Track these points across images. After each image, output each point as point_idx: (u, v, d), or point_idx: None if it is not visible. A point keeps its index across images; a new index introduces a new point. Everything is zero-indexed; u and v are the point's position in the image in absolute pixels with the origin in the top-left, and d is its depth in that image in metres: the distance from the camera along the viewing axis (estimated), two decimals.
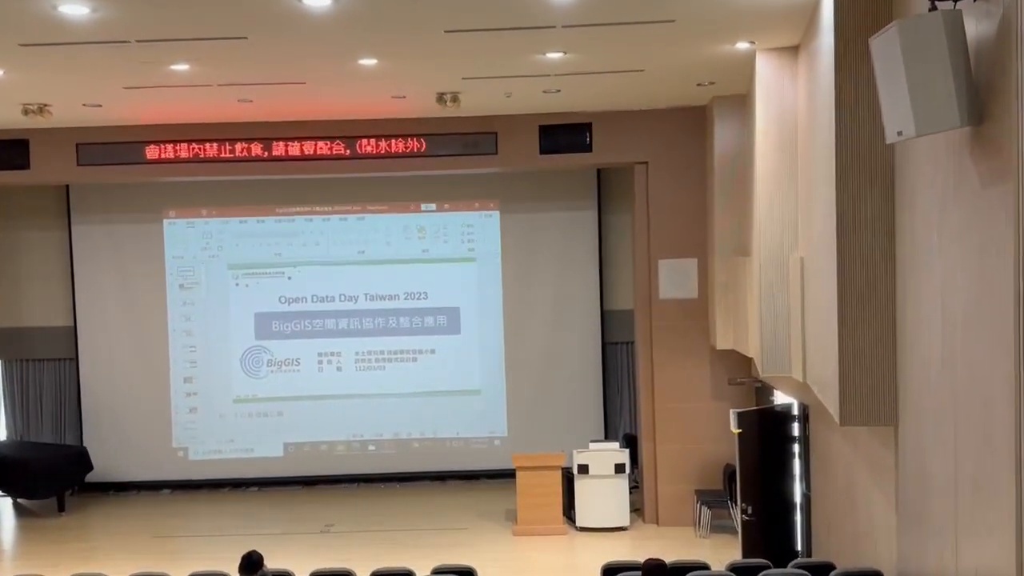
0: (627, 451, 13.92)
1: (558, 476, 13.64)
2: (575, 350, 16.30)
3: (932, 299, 6.15)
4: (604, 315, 16.41)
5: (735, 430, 11.37)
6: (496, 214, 16.35)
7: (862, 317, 7.32)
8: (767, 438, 11.61)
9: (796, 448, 11.69)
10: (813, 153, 9.09)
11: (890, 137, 5.13)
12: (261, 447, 16.43)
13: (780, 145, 10.18)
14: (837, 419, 7.49)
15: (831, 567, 8.89)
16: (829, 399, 8.00)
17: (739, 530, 11.95)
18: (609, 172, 16.34)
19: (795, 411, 11.72)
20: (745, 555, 11.36)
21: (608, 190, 16.46)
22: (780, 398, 12.49)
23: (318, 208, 16.37)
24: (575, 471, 13.71)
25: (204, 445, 16.48)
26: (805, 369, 9.71)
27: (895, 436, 7.47)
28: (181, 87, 10.95)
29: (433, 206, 16.38)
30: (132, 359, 16.44)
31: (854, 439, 9.31)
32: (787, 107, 10.12)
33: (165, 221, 16.41)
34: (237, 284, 16.42)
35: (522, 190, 16.22)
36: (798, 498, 11.67)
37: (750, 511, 11.38)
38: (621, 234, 16.28)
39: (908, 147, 6.72)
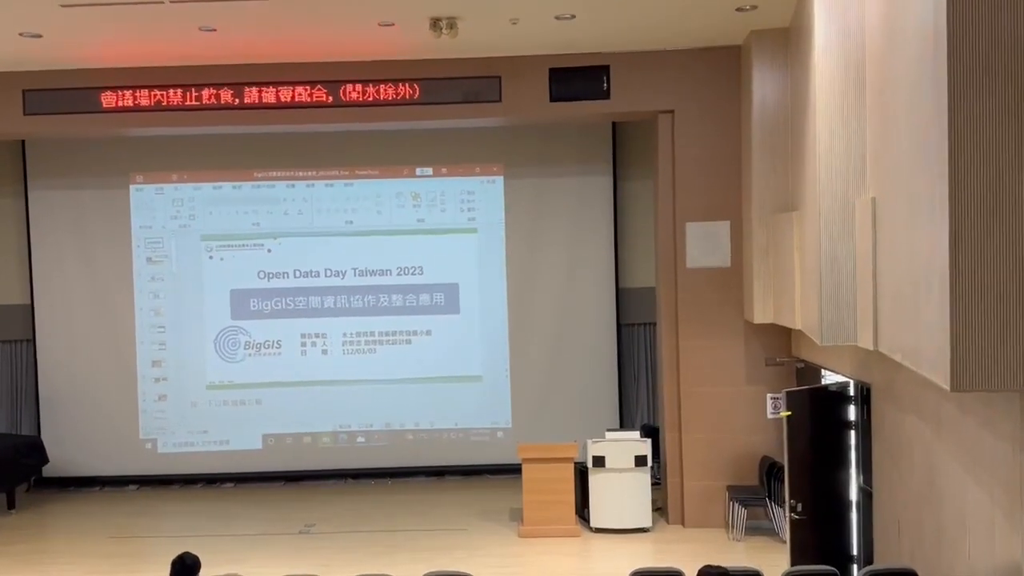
0: (648, 441, 12.30)
1: (570, 469, 12.16)
2: (587, 332, 14.98)
3: None
4: (620, 293, 15.05)
5: (783, 413, 9.67)
6: (500, 179, 14.92)
7: (982, 259, 5.61)
8: (819, 423, 9.97)
9: (852, 435, 10.00)
10: (893, 72, 7.40)
11: None
12: (237, 439, 15.10)
13: (845, 69, 8.51)
14: (946, 384, 5.78)
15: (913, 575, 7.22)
16: (929, 363, 6.29)
17: (786, 531, 10.38)
18: (627, 130, 14.84)
19: (851, 391, 10.02)
20: (794, 560, 9.72)
21: (625, 152, 14.96)
22: (828, 379, 10.81)
23: (301, 172, 14.96)
24: (589, 464, 12.23)
25: (174, 437, 15.12)
26: (877, 335, 8.02)
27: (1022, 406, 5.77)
28: (128, 4, 9.23)
29: (429, 170, 14.94)
30: (95, 341, 15.08)
31: (937, 421, 7.62)
32: (852, 23, 8.44)
33: (132, 187, 15.01)
34: (211, 257, 15.04)
35: (529, 152, 14.82)
36: (853, 493, 10.01)
37: (800, 508, 9.69)
38: (639, 202, 14.85)
39: None
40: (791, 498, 9.72)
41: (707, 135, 12.15)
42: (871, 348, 8.17)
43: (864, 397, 9.78)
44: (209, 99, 12.19)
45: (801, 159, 9.98)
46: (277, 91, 12.13)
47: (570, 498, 12.09)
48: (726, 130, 12.10)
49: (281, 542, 12.26)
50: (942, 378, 5.92)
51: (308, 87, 12.12)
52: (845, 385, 10.09)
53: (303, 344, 15.03)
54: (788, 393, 9.80)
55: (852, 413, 10.06)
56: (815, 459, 9.89)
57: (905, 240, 7.12)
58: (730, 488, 12.16)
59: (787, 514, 9.78)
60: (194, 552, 7.33)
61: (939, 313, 5.96)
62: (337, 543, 12.13)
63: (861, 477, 9.91)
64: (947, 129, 5.67)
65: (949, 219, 5.68)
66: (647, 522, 12.19)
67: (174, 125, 12.45)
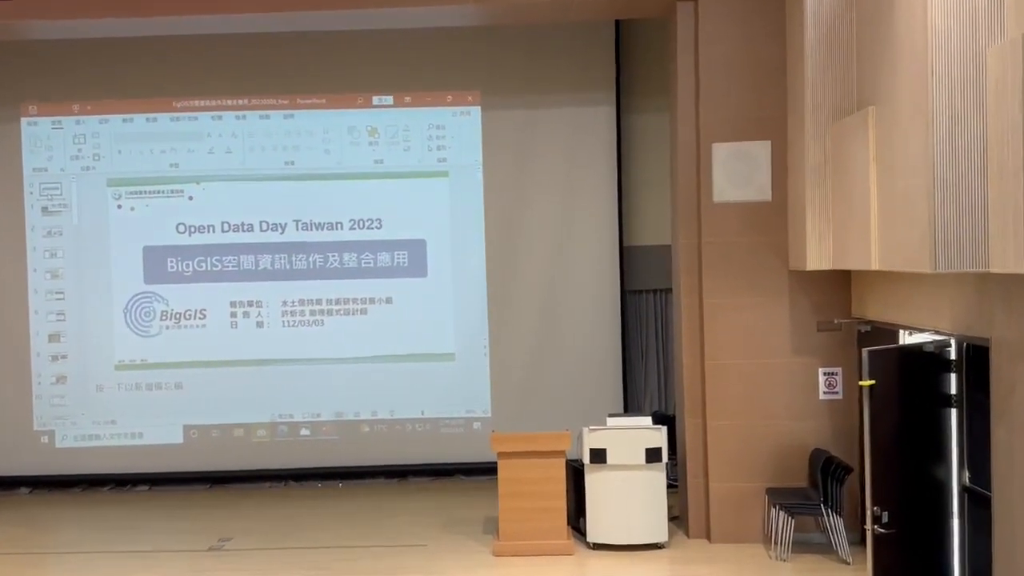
0: (663, 430, 9.81)
1: (561, 467, 9.73)
2: (584, 300, 13.01)
3: None
4: (624, 252, 13.05)
5: (864, 382, 6.91)
6: (476, 111, 12.94)
7: None
8: (912, 398, 7.24)
9: (954, 415, 7.25)
10: None
11: None
12: (153, 431, 13.08)
13: None
14: None
15: None
16: None
17: (842, 545, 8.35)
18: (634, 40, 12.78)
19: (952, 353, 7.27)
20: None
21: (632, 73, 12.84)
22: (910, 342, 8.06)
23: (230, 101, 13.00)
24: (586, 460, 9.77)
25: (76, 428, 13.13)
26: None
27: None
28: None
29: (389, 98, 12.96)
30: None
31: None
32: None
33: (23, 120, 13.08)
34: (120, 207, 13.02)
35: (512, 75, 12.88)
36: (955, 496, 7.33)
37: (886, 518, 6.90)
38: (650, 139, 12.78)
39: None
40: (874, 504, 6.93)
41: (741, 28, 9.61)
42: (1022, 271, 5.34)
43: (972, 361, 7.01)
44: None
45: (886, 36, 7.21)
46: None
47: (560, 504, 9.71)
48: (767, 20, 9.53)
49: (179, 562, 9.70)
50: None
51: None
52: (944, 344, 7.29)
53: (233, 314, 13.03)
54: (871, 354, 6.99)
55: (953, 384, 7.29)
56: (906, 449, 7.13)
57: None
58: (771, 491, 9.60)
59: (868, 525, 6.96)
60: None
61: None
62: (251, 564, 9.55)
63: (967, 474, 7.15)
64: None
65: None
66: (661, 536, 9.70)
67: (39, 16, 10.00)
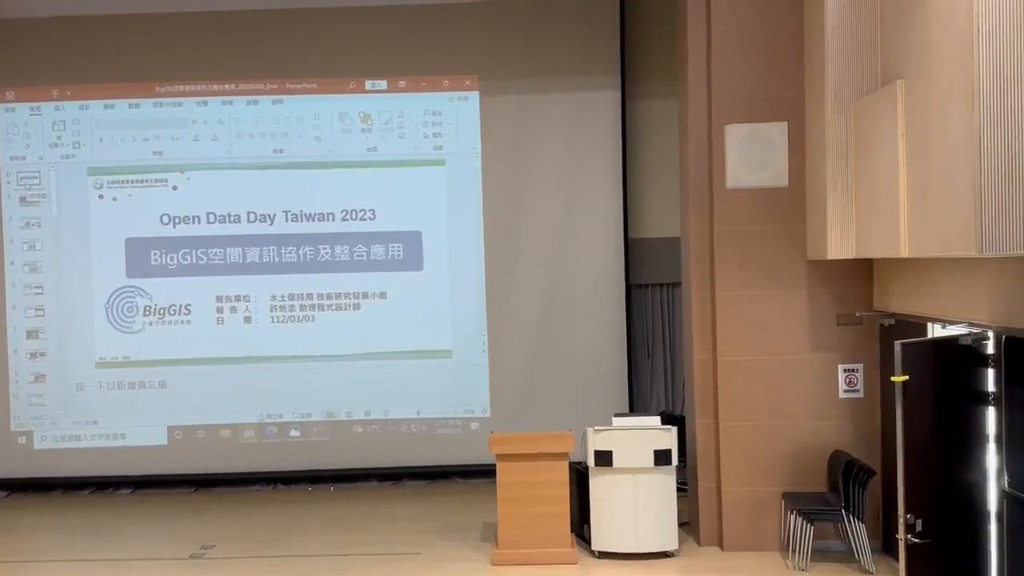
0: (673, 430, 9.24)
1: (564, 470, 9.17)
2: (587, 294, 12.52)
3: None
4: (629, 245, 12.53)
5: (897, 378, 6.35)
6: (474, 96, 12.39)
7: None
8: (947, 395, 6.68)
9: (991, 413, 6.72)
10: None
11: None
12: (136, 432, 12.59)
13: None
14: None
15: None
16: None
17: (865, 556, 7.69)
18: (640, 22, 12.22)
19: (990, 347, 6.73)
20: None
21: (638, 56, 12.31)
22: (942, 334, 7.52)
23: (216, 85, 12.43)
24: (591, 462, 9.21)
25: (55, 429, 12.63)
26: None
27: None
28: None
29: (383, 83, 12.40)
30: None
31: None
32: None
33: (1, 106, 12.48)
34: (101, 197, 12.48)
35: (512, 58, 12.33)
36: (993, 503, 6.77)
37: (920, 526, 6.34)
38: (656, 126, 12.24)
39: None
40: (907, 512, 6.37)
41: (756, 1, 9.04)
42: None
43: (1012, 354, 6.47)
44: None
45: (917, 8, 6.67)
46: None
47: (563, 510, 9.16)
48: None
49: (158, 570, 9.12)
50: None
51: None
52: (981, 337, 6.73)
53: (220, 310, 12.52)
54: (904, 347, 6.43)
55: (991, 380, 6.73)
56: (941, 451, 6.57)
57: None
58: (788, 496, 9.02)
59: (901, 535, 6.39)
60: None
61: None
62: (235, 572, 8.99)
63: (1007, 478, 6.60)
64: None
65: None
66: (671, 544, 9.12)
67: None
